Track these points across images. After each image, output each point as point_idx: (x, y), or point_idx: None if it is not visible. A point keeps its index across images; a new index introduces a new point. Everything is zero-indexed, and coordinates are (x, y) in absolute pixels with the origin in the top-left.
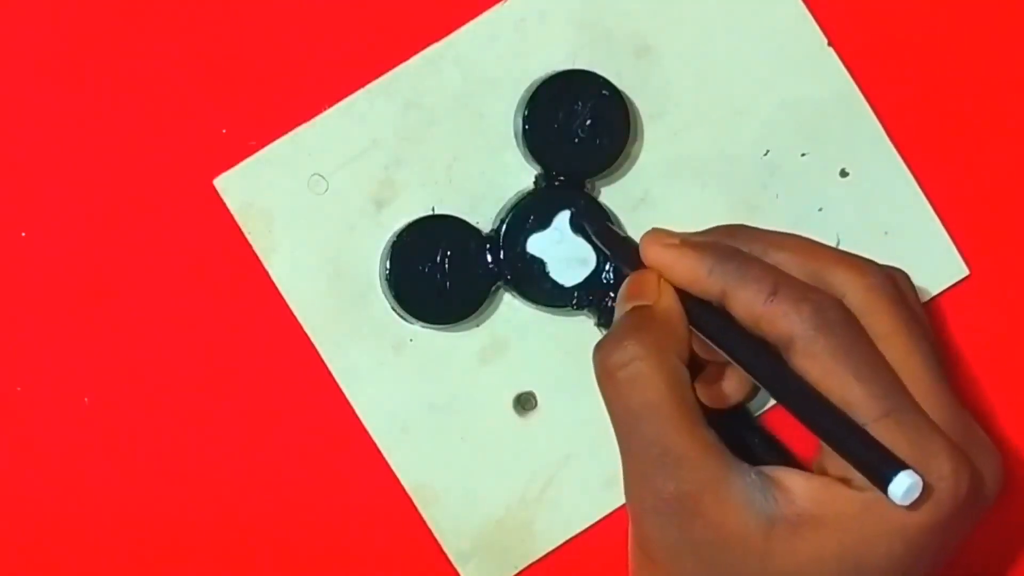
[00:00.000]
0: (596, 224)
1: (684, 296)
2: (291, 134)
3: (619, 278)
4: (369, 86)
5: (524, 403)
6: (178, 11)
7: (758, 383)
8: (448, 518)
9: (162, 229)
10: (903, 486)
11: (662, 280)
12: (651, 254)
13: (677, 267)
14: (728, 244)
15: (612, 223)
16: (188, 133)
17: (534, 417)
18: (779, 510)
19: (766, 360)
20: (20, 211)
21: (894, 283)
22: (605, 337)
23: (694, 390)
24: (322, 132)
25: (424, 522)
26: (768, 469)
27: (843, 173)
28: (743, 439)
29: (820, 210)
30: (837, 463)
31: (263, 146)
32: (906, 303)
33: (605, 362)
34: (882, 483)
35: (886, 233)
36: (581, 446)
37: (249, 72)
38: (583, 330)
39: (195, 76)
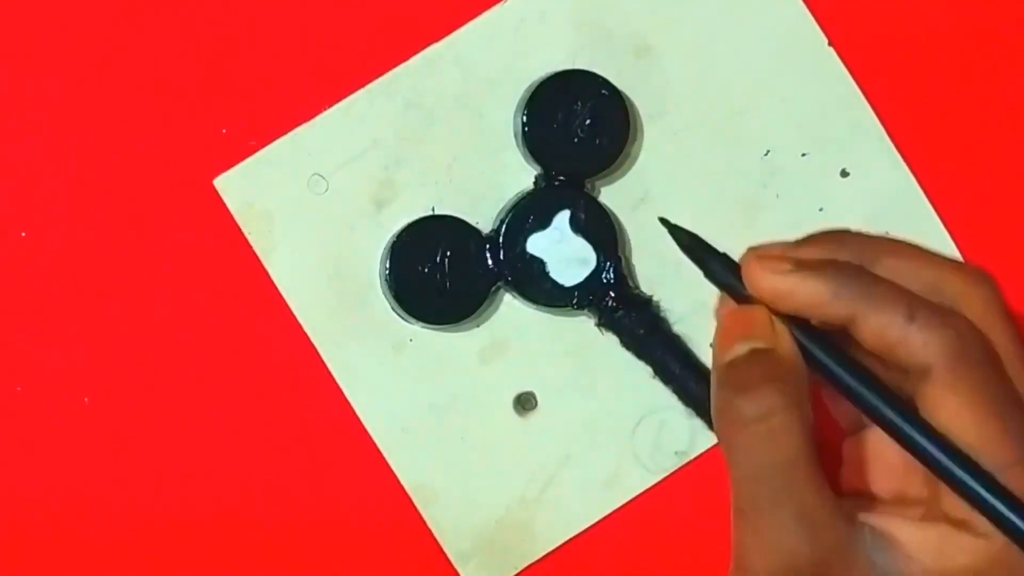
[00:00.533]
0: (686, 236)
1: (793, 325)
2: (291, 134)
3: (619, 278)
4: (369, 86)
5: (524, 403)
6: (178, 11)
7: (879, 425)
8: (448, 518)
9: (162, 229)
10: None
11: (774, 318)
12: (764, 283)
13: (796, 296)
14: (845, 260)
15: (701, 237)
16: (188, 133)
17: (534, 417)
18: (901, 569)
19: (893, 401)
20: (20, 211)
21: (1001, 293)
22: (728, 380)
23: None
24: (322, 132)
25: (424, 522)
26: (874, 520)
27: (843, 173)
28: None
29: (820, 210)
30: (955, 503)
31: (263, 146)
32: (1011, 316)
33: (739, 411)
34: None
35: (886, 233)
36: (581, 446)
37: (249, 72)
38: (583, 330)
39: (195, 76)
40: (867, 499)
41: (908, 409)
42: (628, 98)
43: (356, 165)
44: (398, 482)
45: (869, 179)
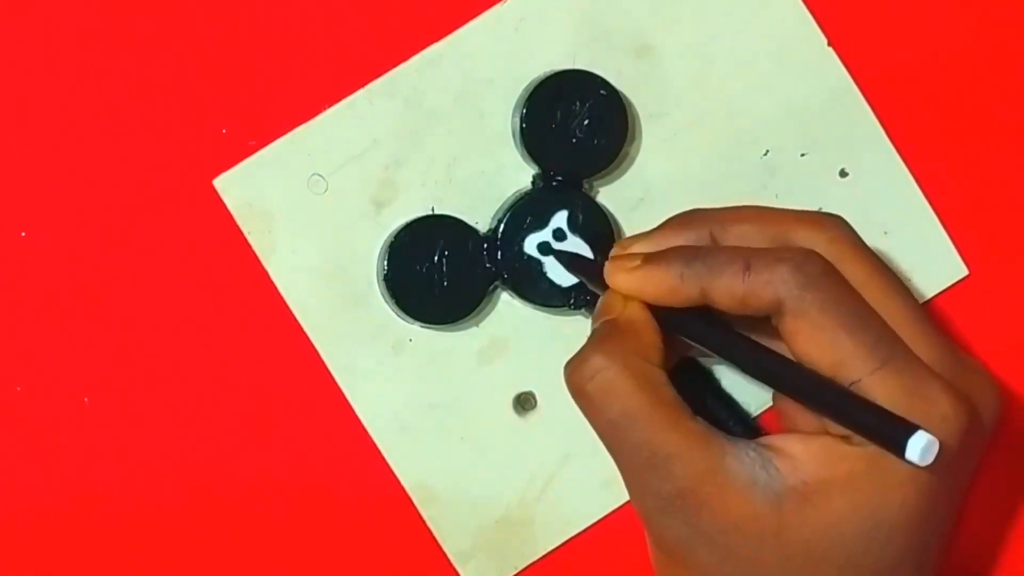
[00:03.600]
0: (565, 255)
1: (661, 309)
2: (291, 134)
3: None
4: (369, 86)
5: (524, 403)
6: (178, 11)
7: (751, 376)
8: (448, 518)
9: (162, 229)
10: (918, 448)
11: (627, 296)
12: (619, 282)
13: (648, 287)
14: (687, 246)
15: (579, 254)
16: (188, 133)
17: (534, 417)
18: (784, 481)
19: (754, 349)
20: (20, 211)
21: (852, 230)
22: (572, 356)
23: (693, 384)
24: (322, 132)
25: (424, 522)
26: (766, 440)
27: (843, 173)
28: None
29: (820, 210)
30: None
31: (263, 146)
32: (868, 248)
33: (573, 378)
34: (898, 450)
35: (886, 233)
36: (581, 446)
37: (249, 72)
38: (582, 330)
39: (195, 76)
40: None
41: (774, 355)
42: (627, 98)
43: (356, 165)
44: (398, 482)
45: (868, 179)
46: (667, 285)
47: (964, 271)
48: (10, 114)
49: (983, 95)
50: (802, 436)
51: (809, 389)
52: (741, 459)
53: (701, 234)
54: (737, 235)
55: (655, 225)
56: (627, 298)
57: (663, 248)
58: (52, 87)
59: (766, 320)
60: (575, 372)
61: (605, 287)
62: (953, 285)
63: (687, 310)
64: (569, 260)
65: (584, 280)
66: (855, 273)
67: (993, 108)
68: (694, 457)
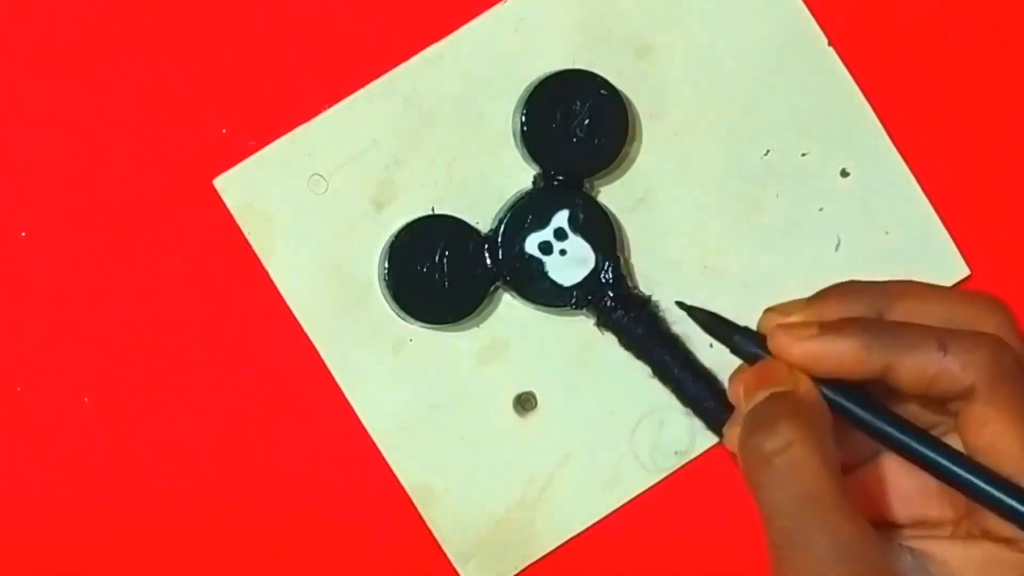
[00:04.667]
0: (703, 314)
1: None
2: (291, 134)
3: (618, 278)
4: (369, 86)
5: (524, 403)
6: (178, 11)
7: (921, 466)
8: (448, 518)
9: (162, 229)
10: None
11: (793, 367)
12: (794, 351)
13: (829, 357)
14: (870, 318)
15: (719, 316)
16: (188, 133)
17: (534, 417)
18: None
19: (931, 440)
20: (20, 211)
21: (1012, 315)
22: (749, 424)
23: None
24: (322, 132)
25: (424, 522)
26: (918, 544)
27: (843, 173)
28: None
29: (820, 210)
30: (998, 521)
31: (263, 146)
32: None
33: (760, 448)
34: None
35: (886, 233)
36: (581, 446)
37: (249, 72)
38: (582, 330)
39: (195, 76)
40: (891, 526)
41: (939, 441)
42: (627, 98)
43: (356, 165)
44: (398, 482)
45: (869, 179)
46: (850, 357)
47: (965, 271)
48: (10, 114)
49: (983, 95)
50: (959, 542)
51: (989, 489)
52: (901, 562)
53: (867, 308)
54: (904, 311)
55: (813, 294)
56: (793, 370)
57: (831, 319)
58: (52, 87)
59: (929, 406)
60: (763, 441)
61: (749, 354)
62: (953, 285)
63: (848, 388)
64: (709, 320)
65: (726, 344)
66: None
67: (993, 108)
68: (870, 555)
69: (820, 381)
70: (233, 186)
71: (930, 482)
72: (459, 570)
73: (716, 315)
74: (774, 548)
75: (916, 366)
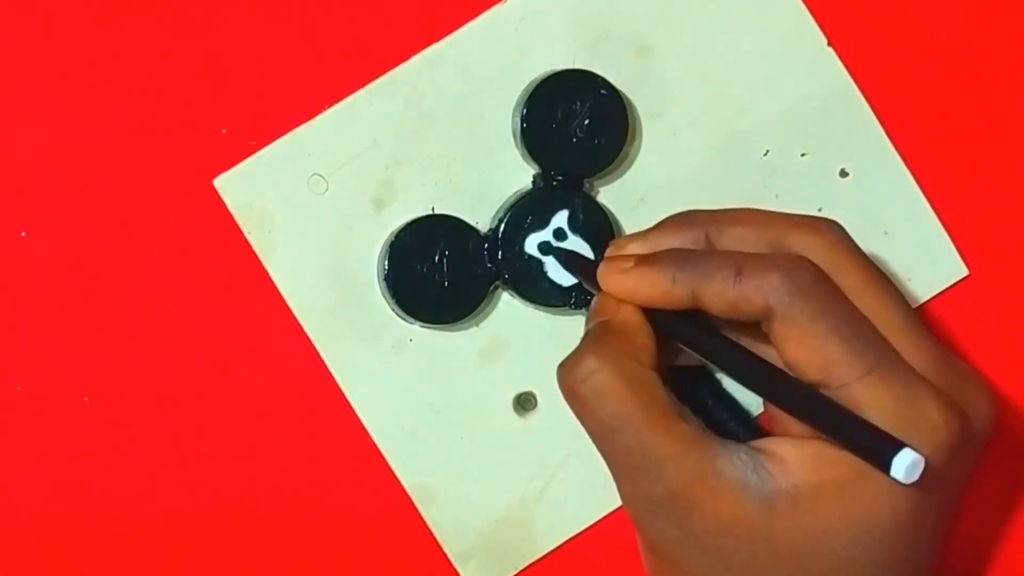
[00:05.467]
0: (564, 253)
1: (654, 313)
2: (291, 134)
3: None
4: (369, 86)
5: (524, 403)
6: (178, 11)
7: (741, 383)
8: (448, 518)
9: (162, 229)
10: (903, 466)
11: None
12: (611, 284)
13: (640, 290)
14: (681, 249)
15: (575, 251)
16: (188, 133)
17: (534, 417)
18: (776, 485)
19: (744, 356)
20: (20, 211)
21: (848, 236)
22: (566, 358)
23: (694, 384)
24: (322, 132)
25: (424, 522)
26: (758, 443)
27: (843, 173)
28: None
29: (820, 210)
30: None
31: (263, 146)
32: (864, 254)
33: (567, 380)
34: (883, 466)
35: (886, 233)
36: (581, 446)
37: (249, 72)
38: (582, 329)
39: (195, 76)
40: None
41: (762, 363)
42: (627, 98)
43: (356, 165)
44: (398, 482)
45: (868, 179)
46: (659, 288)
47: (964, 271)
48: (10, 114)
49: (983, 95)
50: (794, 440)
51: (796, 399)
52: (733, 462)
53: (697, 236)
54: (733, 238)
55: (651, 225)
56: (621, 300)
57: (658, 249)
58: (52, 87)
59: (757, 325)
60: (568, 374)
61: (600, 287)
62: (953, 285)
63: (680, 314)
64: (567, 259)
65: (581, 280)
66: (849, 279)
67: (993, 108)
68: (685, 459)
69: (647, 309)
70: (233, 186)
71: None
72: (459, 570)
73: (575, 253)
74: (608, 467)
75: (717, 293)
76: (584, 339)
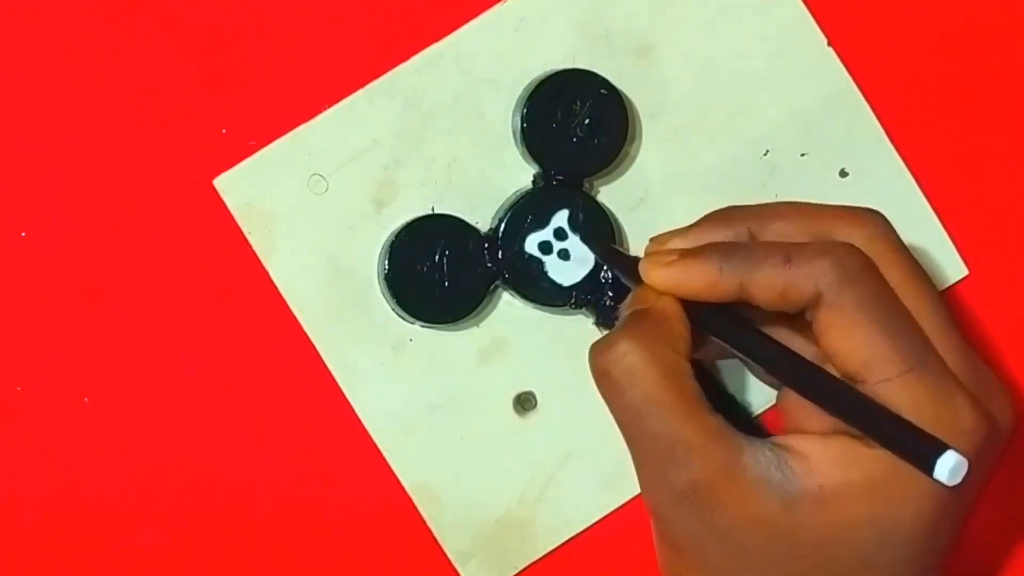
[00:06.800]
0: (600, 245)
1: (696, 306)
2: (291, 134)
3: (617, 278)
4: (369, 86)
5: (524, 403)
6: (178, 11)
7: (776, 376)
8: (448, 518)
9: (162, 229)
10: (947, 468)
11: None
12: (656, 278)
13: (687, 281)
14: (724, 242)
15: (614, 242)
16: (188, 133)
17: (534, 417)
18: (800, 483)
19: (783, 351)
20: (20, 211)
21: (891, 228)
22: (598, 340)
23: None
24: (322, 132)
25: (424, 522)
26: (780, 439)
27: (843, 173)
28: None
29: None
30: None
31: (263, 146)
32: (906, 248)
33: (599, 360)
34: (926, 468)
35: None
36: (581, 446)
37: (249, 72)
38: (582, 329)
39: (195, 76)
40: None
41: (780, 346)
42: (627, 98)
43: (356, 165)
44: (398, 482)
45: (868, 179)
46: (706, 280)
47: (964, 271)
48: (10, 114)
49: (983, 95)
50: (819, 437)
51: (835, 395)
52: (757, 458)
53: (739, 231)
54: (776, 231)
55: (693, 221)
56: (660, 293)
57: (700, 244)
58: (52, 87)
59: (793, 321)
60: (601, 354)
61: (638, 281)
62: (953, 285)
63: (718, 308)
64: (605, 251)
65: (618, 273)
66: (891, 273)
67: (993, 108)
68: (713, 451)
69: (688, 303)
70: (233, 186)
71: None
72: (459, 570)
73: (613, 246)
74: (631, 453)
75: (765, 281)
76: (620, 324)
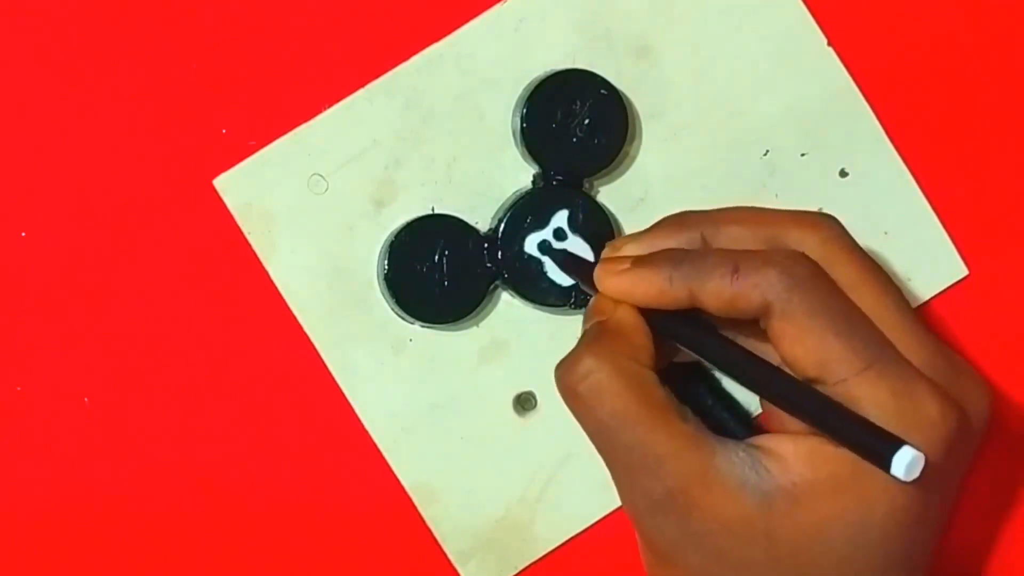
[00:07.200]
0: (560, 254)
1: (651, 312)
2: (291, 134)
3: None
4: (369, 86)
5: (524, 403)
6: (178, 11)
7: (738, 381)
8: (448, 518)
9: (162, 229)
10: (903, 464)
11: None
12: (608, 285)
13: (637, 290)
14: (676, 248)
15: (572, 252)
16: (188, 133)
17: (534, 417)
18: (774, 482)
19: (741, 355)
20: (20, 211)
21: (845, 231)
22: (563, 359)
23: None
24: (322, 132)
25: (424, 522)
26: (756, 440)
27: (843, 173)
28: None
29: (820, 210)
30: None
31: (263, 146)
32: (861, 249)
33: (565, 380)
34: (883, 464)
35: (886, 233)
36: (581, 446)
37: (249, 72)
38: (579, 330)
39: (195, 76)
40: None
41: (761, 361)
42: (627, 98)
43: (356, 165)
44: (398, 482)
45: (868, 179)
46: (655, 288)
47: (964, 271)
48: (10, 114)
49: (983, 95)
50: (792, 436)
51: (793, 397)
52: (731, 460)
53: (693, 236)
54: (729, 237)
55: (648, 226)
56: (618, 301)
57: (654, 250)
58: (52, 87)
59: (755, 323)
60: (566, 374)
61: (595, 289)
62: (953, 285)
63: (677, 313)
64: (564, 260)
65: (578, 281)
66: (847, 274)
67: (993, 108)
68: (684, 458)
69: (643, 310)
70: (233, 186)
71: None
72: (459, 570)
73: (571, 254)
74: (607, 466)
75: (713, 291)
76: (581, 339)
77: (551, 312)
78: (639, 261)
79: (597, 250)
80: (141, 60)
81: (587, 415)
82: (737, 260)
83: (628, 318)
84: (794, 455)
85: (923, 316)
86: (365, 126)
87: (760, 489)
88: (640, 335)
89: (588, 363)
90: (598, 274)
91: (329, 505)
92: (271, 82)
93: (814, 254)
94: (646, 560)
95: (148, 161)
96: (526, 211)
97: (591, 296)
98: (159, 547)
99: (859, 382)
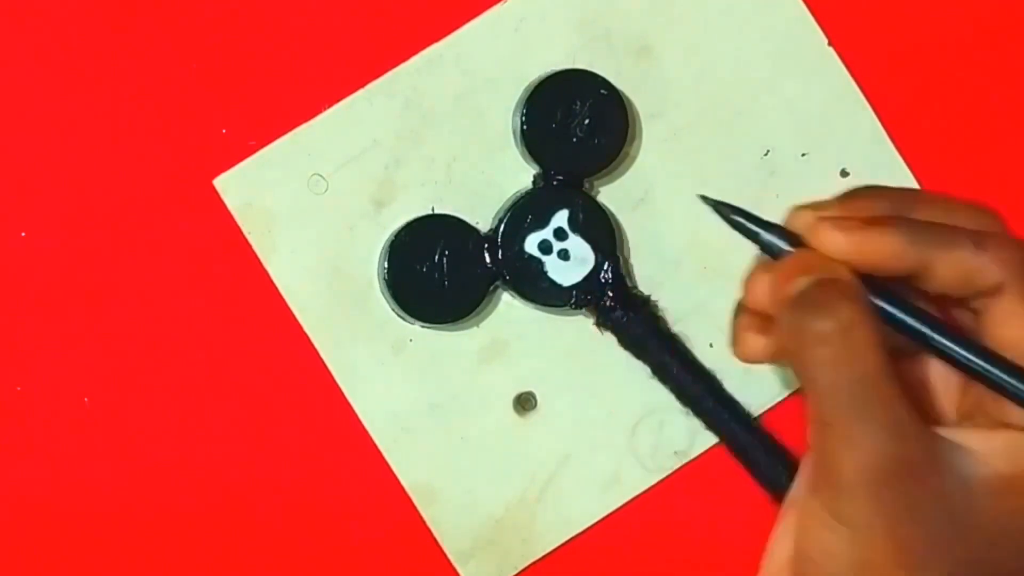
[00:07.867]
0: (727, 206)
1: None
2: (291, 134)
3: (617, 278)
4: (369, 86)
5: (524, 403)
6: (178, 11)
7: (954, 361)
8: (448, 518)
9: (162, 229)
10: None
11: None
12: (835, 241)
13: (868, 249)
14: (909, 218)
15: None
16: (188, 133)
17: (534, 417)
18: (977, 472)
19: (959, 335)
20: (20, 211)
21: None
22: (801, 305)
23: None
24: (322, 132)
25: (424, 522)
26: (950, 433)
27: (843, 173)
28: None
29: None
30: (1017, 413)
31: (263, 146)
32: None
33: (816, 329)
34: None
35: None
36: (581, 446)
37: (249, 72)
38: (582, 329)
39: (195, 76)
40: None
41: (960, 334)
42: (627, 98)
43: (356, 165)
44: (398, 482)
45: (869, 179)
46: (889, 250)
47: None
48: (10, 114)
49: (983, 94)
50: (981, 431)
51: (1006, 374)
52: (942, 445)
53: (892, 210)
54: (924, 216)
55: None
56: (830, 261)
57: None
58: (52, 87)
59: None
60: (822, 320)
61: (776, 250)
62: None
63: (894, 289)
64: (732, 212)
65: (746, 236)
66: None
67: (993, 108)
68: (922, 436)
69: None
70: (233, 186)
71: (951, 377)
72: (459, 570)
73: (743, 210)
74: (821, 424)
75: (953, 262)
76: (821, 290)
77: (551, 312)
78: (873, 221)
79: (597, 250)
80: (141, 60)
81: (836, 370)
82: (979, 236)
83: (856, 281)
84: (988, 449)
85: None
86: (365, 126)
87: (962, 476)
88: (869, 303)
89: (851, 315)
90: (826, 231)
91: (329, 505)
92: (271, 82)
93: None
94: (816, 539)
95: (148, 161)
96: (526, 211)
97: (596, 296)
98: (159, 547)
99: None
